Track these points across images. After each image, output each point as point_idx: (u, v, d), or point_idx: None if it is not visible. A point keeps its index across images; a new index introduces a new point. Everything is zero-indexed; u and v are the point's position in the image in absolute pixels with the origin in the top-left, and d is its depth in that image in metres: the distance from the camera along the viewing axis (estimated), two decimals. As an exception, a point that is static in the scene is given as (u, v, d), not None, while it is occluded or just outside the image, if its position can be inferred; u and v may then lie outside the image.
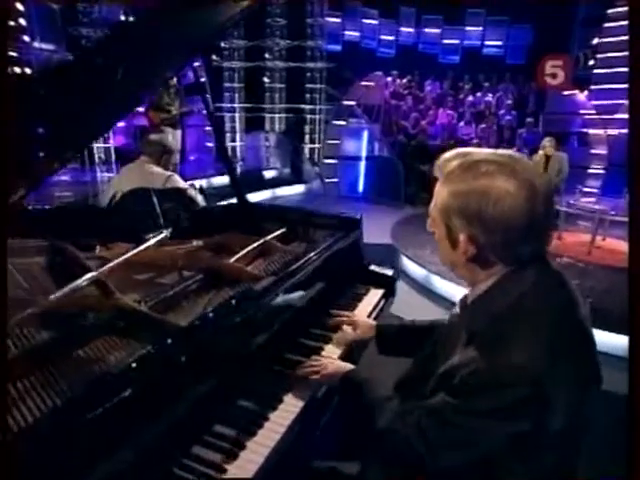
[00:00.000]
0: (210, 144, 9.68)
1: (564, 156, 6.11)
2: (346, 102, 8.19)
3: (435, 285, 4.15)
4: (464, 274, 0.91)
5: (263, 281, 1.29)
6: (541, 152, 6.12)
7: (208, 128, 9.56)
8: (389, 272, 1.92)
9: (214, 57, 9.48)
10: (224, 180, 7.58)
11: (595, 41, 8.68)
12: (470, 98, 9.09)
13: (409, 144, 7.92)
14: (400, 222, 5.83)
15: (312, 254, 1.57)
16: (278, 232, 1.84)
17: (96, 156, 8.85)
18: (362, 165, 8.13)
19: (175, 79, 6.89)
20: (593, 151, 8.00)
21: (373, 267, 1.93)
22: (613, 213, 5.12)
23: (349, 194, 7.98)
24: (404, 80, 9.49)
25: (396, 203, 7.44)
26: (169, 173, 2.51)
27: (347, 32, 9.94)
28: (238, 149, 9.55)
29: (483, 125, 8.46)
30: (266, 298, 1.23)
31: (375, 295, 1.80)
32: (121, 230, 1.88)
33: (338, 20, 9.68)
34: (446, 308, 3.92)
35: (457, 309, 0.99)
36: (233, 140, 9.57)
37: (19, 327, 1.05)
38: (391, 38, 10.28)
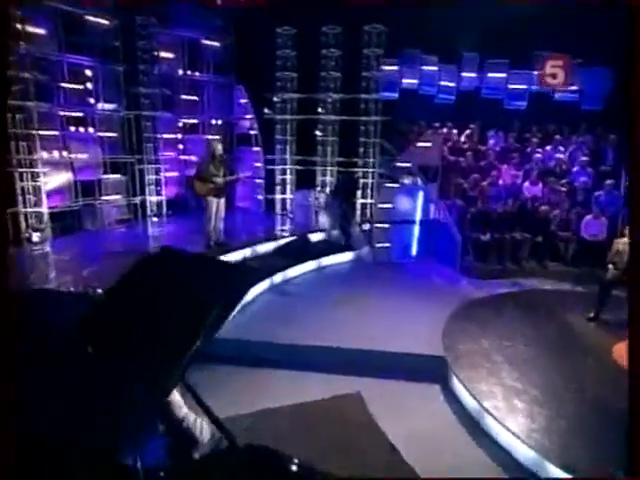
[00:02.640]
0: (260, 196, 9.63)
1: (651, 244, 5.26)
2: (400, 164, 7.75)
3: (488, 426, 3.56)
4: None
5: None
6: (625, 239, 5.32)
7: (259, 180, 9.54)
8: None
9: (266, 110, 9.43)
10: (269, 247, 7.39)
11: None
12: (538, 154, 8.29)
13: (468, 210, 7.31)
14: (455, 316, 5.25)
15: None
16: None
17: (148, 209, 9.04)
18: (416, 229, 7.63)
19: (221, 148, 6.80)
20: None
21: None
22: None
23: (400, 259, 7.49)
24: (466, 132, 8.89)
25: (451, 274, 6.88)
26: None
27: (405, 80, 9.51)
28: (288, 202, 9.41)
29: (553, 186, 7.68)
30: None
31: None
32: None
33: (395, 68, 9.30)
34: (497, 461, 3.29)
35: None
36: (283, 192, 9.43)
37: None
38: (452, 84, 9.69)
